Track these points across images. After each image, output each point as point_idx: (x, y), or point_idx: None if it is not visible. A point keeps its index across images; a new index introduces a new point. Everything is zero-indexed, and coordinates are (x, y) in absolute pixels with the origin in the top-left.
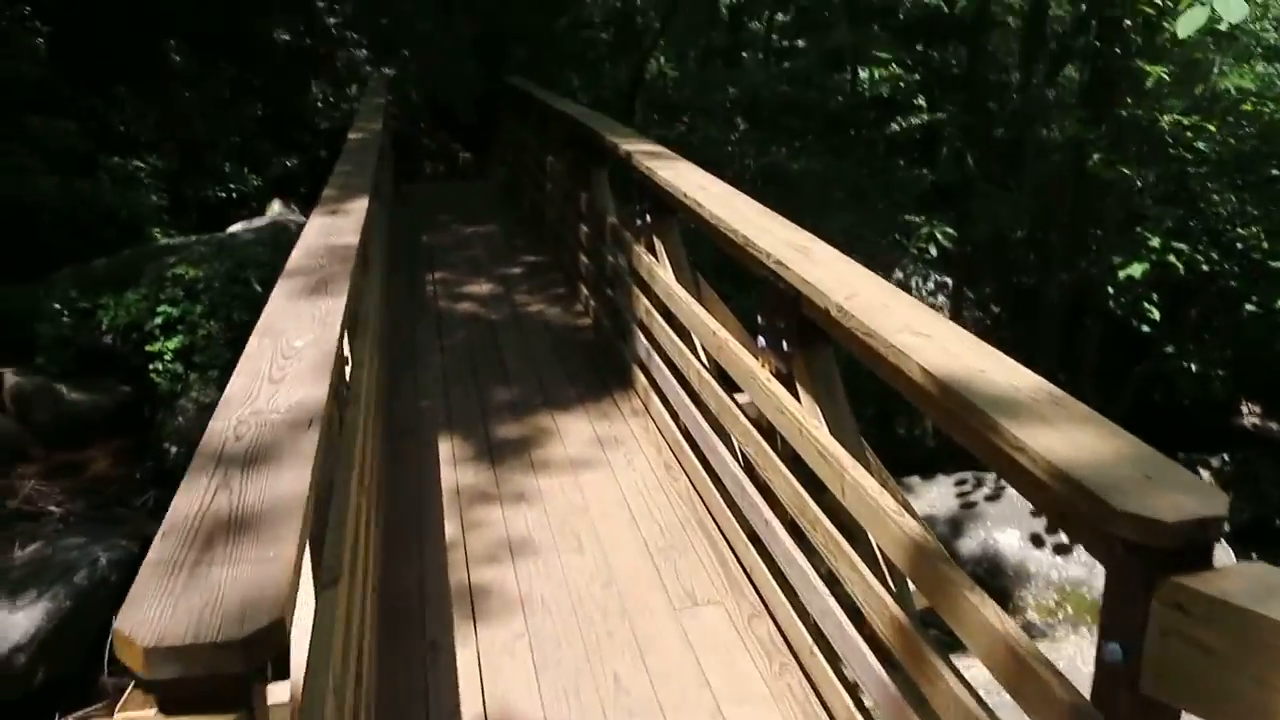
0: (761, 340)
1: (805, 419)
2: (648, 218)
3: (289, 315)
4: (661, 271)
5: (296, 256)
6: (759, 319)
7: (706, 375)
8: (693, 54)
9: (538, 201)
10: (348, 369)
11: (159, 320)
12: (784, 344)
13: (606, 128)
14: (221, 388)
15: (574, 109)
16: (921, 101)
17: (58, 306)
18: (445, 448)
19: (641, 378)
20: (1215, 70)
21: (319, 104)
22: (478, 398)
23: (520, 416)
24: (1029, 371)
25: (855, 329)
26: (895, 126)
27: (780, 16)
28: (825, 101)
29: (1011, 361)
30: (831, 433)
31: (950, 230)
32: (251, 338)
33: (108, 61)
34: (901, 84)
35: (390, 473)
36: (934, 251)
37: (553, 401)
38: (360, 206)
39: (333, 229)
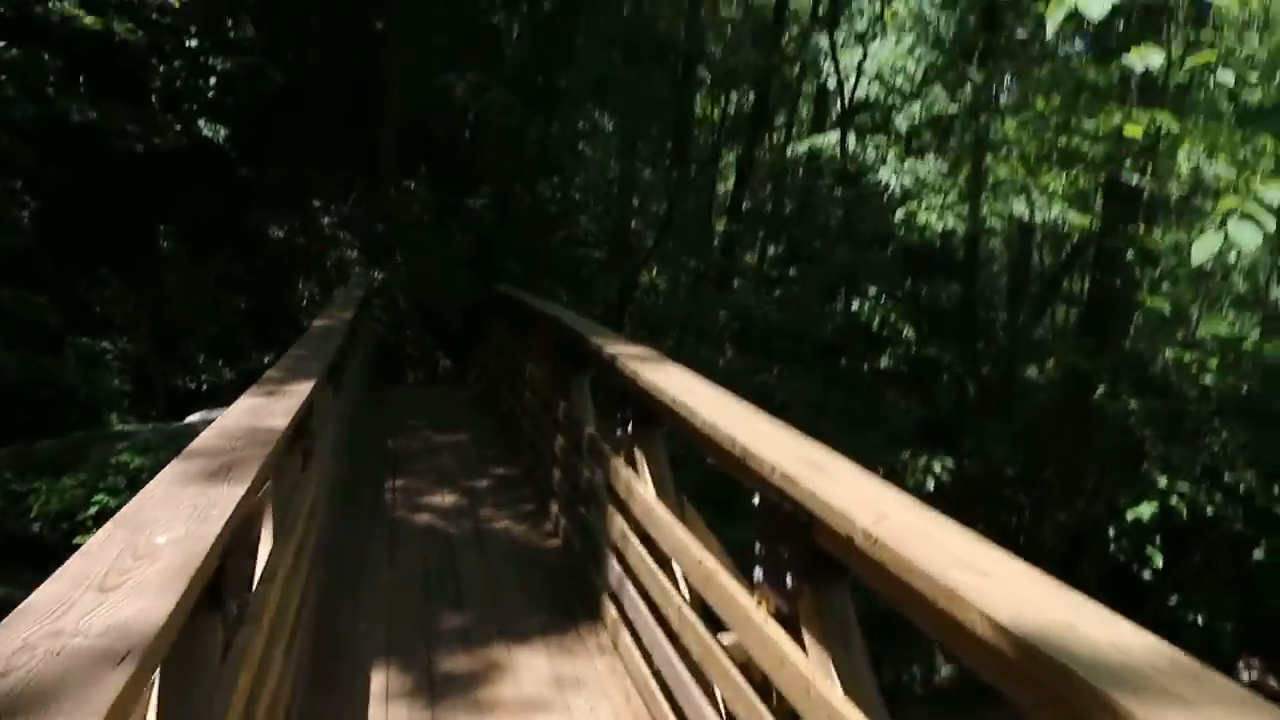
0: (759, 574)
1: (813, 674)
2: (629, 427)
3: (165, 503)
4: (641, 488)
5: (206, 437)
6: (757, 547)
7: (688, 612)
8: (683, 277)
9: (515, 411)
10: (255, 575)
11: (93, 510)
12: (789, 579)
13: (592, 331)
14: None
15: (559, 311)
16: (910, 334)
17: None
18: (379, 679)
19: (612, 609)
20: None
21: (304, 302)
22: (425, 623)
23: (471, 647)
24: (1132, 626)
25: (887, 562)
26: (885, 360)
27: (772, 250)
28: (816, 328)
29: (1106, 611)
30: (846, 692)
31: (949, 464)
32: (102, 528)
33: (95, 240)
34: (891, 316)
35: (310, 707)
36: (931, 486)
37: (509, 631)
38: (303, 390)
39: (261, 410)
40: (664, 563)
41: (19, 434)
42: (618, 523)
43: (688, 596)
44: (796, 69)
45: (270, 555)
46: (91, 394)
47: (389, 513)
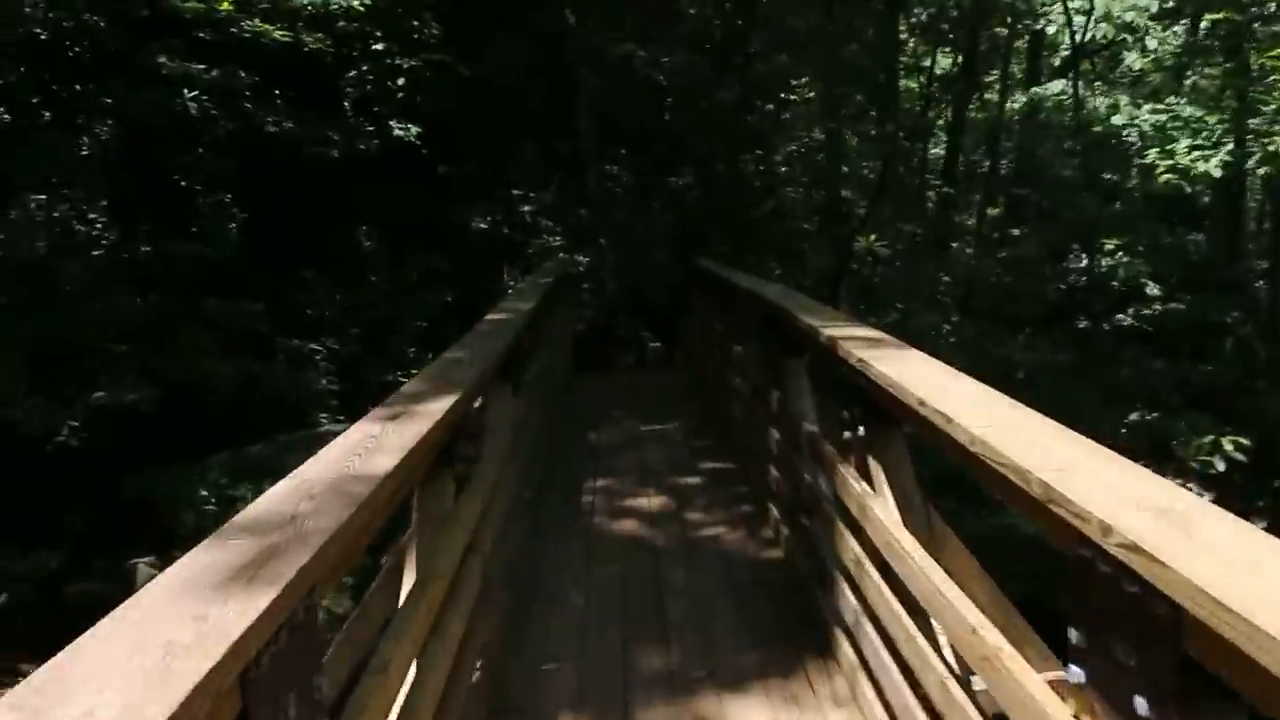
0: (1075, 671)
1: None
2: (860, 429)
3: (115, 647)
4: (879, 509)
5: (269, 499)
6: (1071, 633)
7: (956, 691)
8: (899, 244)
9: (724, 397)
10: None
11: None
12: (1142, 696)
13: (803, 308)
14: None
15: (764, 286)
16: (1156, 290)
17: (205, 493)
18: None
19: (848, 649)
20: None
21: (509, 290)
22: (622, 662)
23: (675, 696)
24: None
25: None
26: (1127, 319)
27: (991, 210)
28: (1045, 289)
29: None
30: None
31: (1244, 440)
32: None
33: (300, 246)
34: (1138, 271)
35: None
36: (1221, 466)
37: (723, 674)
38: (439, 407)
39: (365, 448)
40: (915, 607)
41: (235, 439)
42: (850, 545)
43: (952, 665)
44: (1007, 20)
45: (406, 605)
46: (300, 397)
47: (586, 521)
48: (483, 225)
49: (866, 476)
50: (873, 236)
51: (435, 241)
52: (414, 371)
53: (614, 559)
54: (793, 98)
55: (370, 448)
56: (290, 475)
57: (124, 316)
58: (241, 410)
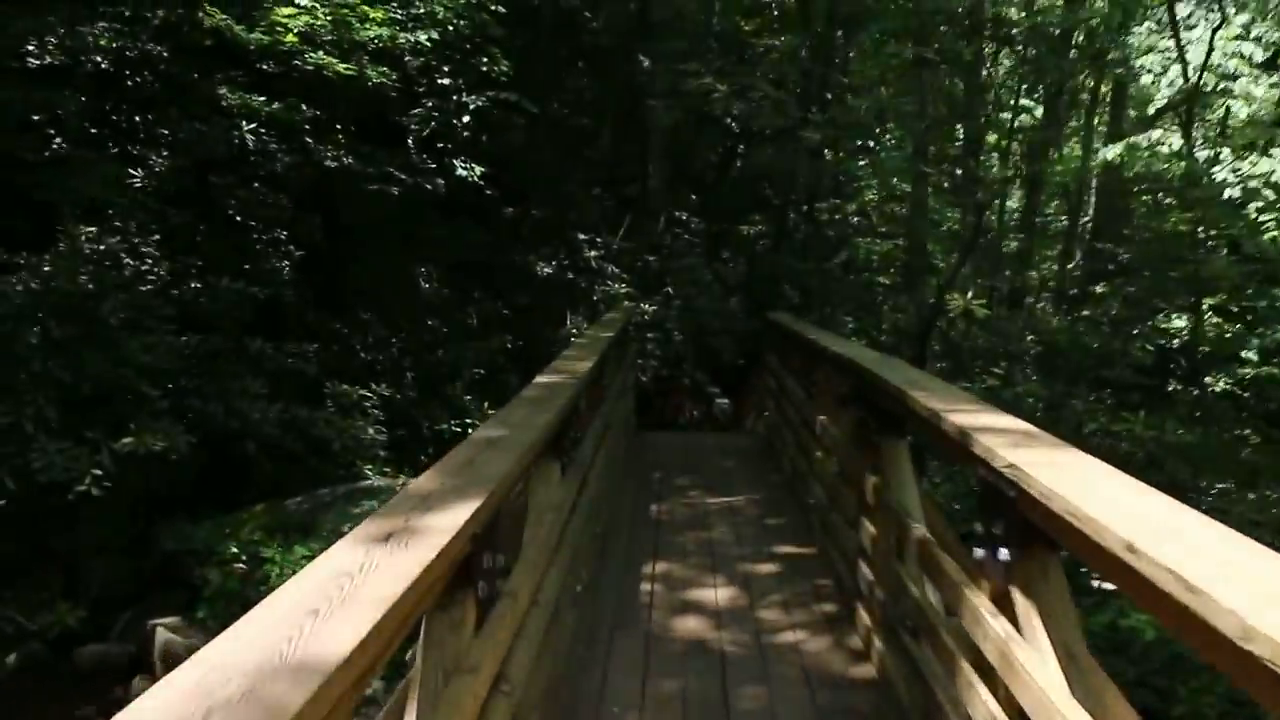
0: None
1: None
2: (1003, 552)
3: None
4: (1028, 660)
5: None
6: None
7: None
8: (986, 300)
9: (803, 470)
10: None
11: None
12: None
13: (912, 382)
14: None
15: (854, 351)
16: (1252, 354)
17: (235, 550)
18: None
19: None
20: None
21: (573, 338)
22: None
23: None
24: None
25: None
26: (1221, 383)
27: (1070, 265)
28: (1132, 350)
29: None
30: None
31: None
32: None
33: (356, 287)
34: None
35: None
36: None
37: None
38: (455, 521)
39: (330, 602)
40: None
41: (275, 489)
42: (979, 696)
43: None
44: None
45: None
46: (346, 445)
47: (643, 616)
48: (547, 270)
49: (1012, 614)
50: (969, 294)
51: (497, 285)
52: (470, 422)
53: (674, 671)
54: (874, 145)
55: (338, 597)
56: (194, 659)
57: (162, 356)
58: (284, 458)
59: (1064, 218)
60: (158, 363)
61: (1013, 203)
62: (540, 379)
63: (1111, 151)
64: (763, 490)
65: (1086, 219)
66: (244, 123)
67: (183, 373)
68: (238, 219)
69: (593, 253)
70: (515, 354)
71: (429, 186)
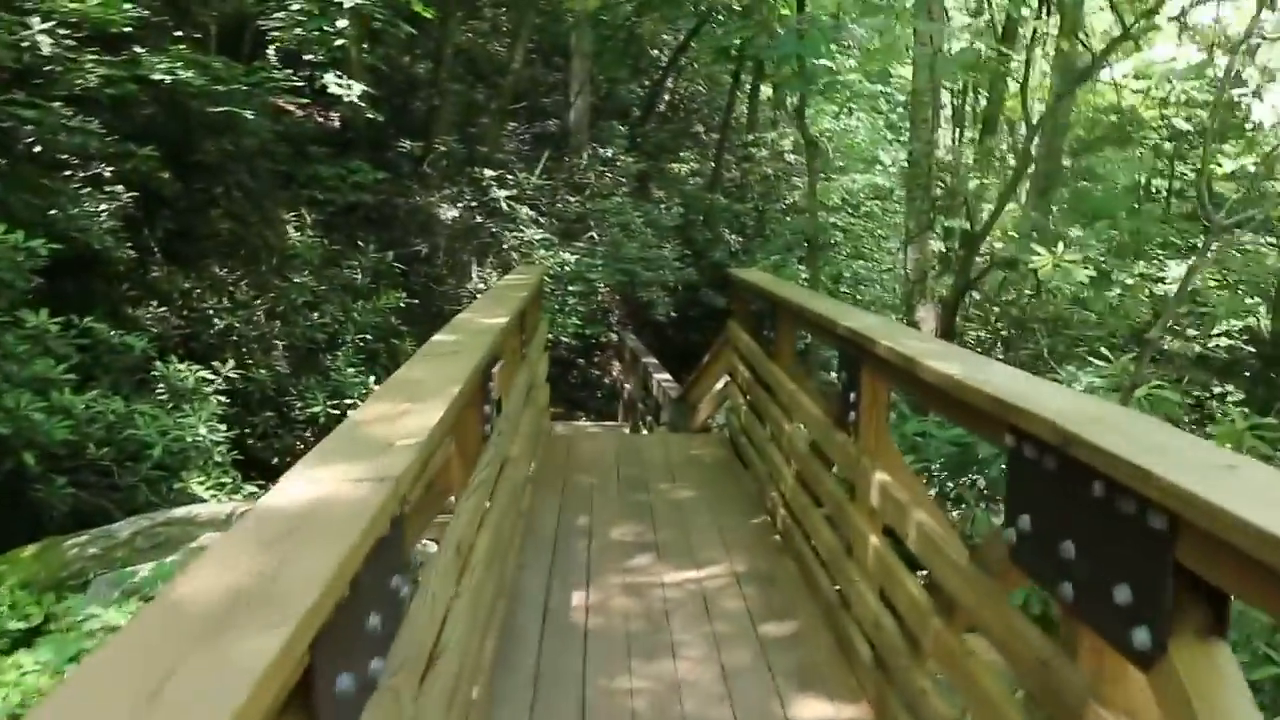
0: None
1: None
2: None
3: None
4: None
5: None
6: None
7: None
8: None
9: (784, 494)
10: None
11: None
12: None
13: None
14: None
15: (868, 322)
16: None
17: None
18: None
19: None
20: None
21: (480, 293)
22: None
23: None
24: None
25: None
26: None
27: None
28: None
29: None
30: None
31: None
32: None
33: (214, 236)
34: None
35: None
36: None
37: None
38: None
39: None
40: None
41: (77, 517)
42: None
43: None
44: None
45: None
46: (170, 450)
47: None
48: (452, 213)
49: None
50: (1059, 247)
51: (393, 233)
52: (350, 403)
53: None
54: (833, 67)
55: None
56: None
57: None
58: (90, 471)
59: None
60: None
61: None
62: (403, 373)
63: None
64: (731, 519)
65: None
66: (37, 20)
67: None
68: (36, 150)
69: (504, 193)
70: (409, 313)
71: (321, 119)
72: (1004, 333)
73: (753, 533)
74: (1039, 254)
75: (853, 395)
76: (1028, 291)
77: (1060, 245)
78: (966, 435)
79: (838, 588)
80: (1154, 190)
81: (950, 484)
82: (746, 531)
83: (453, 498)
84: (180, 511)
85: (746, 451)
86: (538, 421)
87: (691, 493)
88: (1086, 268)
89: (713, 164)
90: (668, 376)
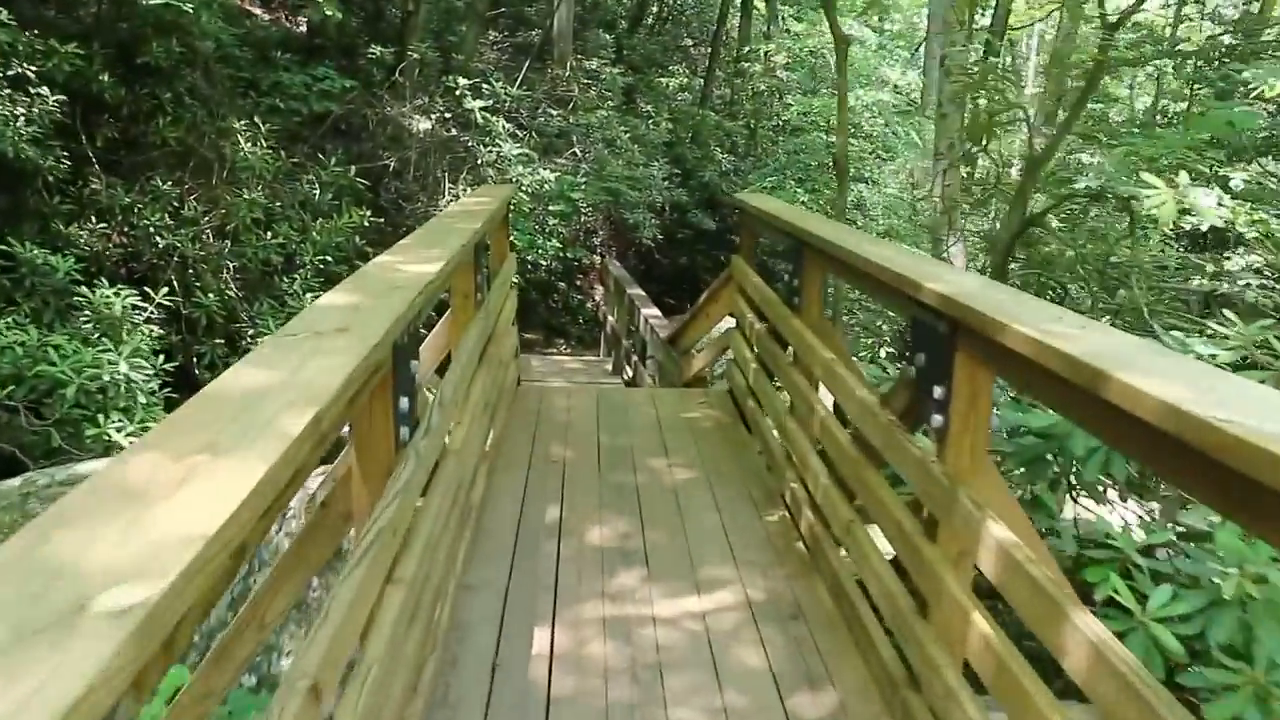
0: None
1: None
2: None
3: None
4: None
5: None
6: None
7: None
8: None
9: (812, 493)
10: None
11: None
12: None
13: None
14: None
15: (967, 285)
16: None
17: None
18: None
19: None
20: None
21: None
22: None
23: None
24: None
25: None
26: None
27: None
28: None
29: None
30: None
31: None
32: None
33: (161, 145)
34: None
35: None
36: None
37: None
38: None
39: None
40: None
41: None
42: None
43: None
44: None
45: None
46: (86, 390)
47: None
48: (425, 124)
49: None
50: (1182, 182)
51: (356, 146)
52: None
53: None
54: None
55: None
56: None
57: None
58: None
59: None
60: None
61: None
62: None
63: None
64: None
65: None
66: None
67: None
68: None
69: (479, 103)
70: (376, 232)
71: (288, 24)
72: (1050, 282)
73: (768, 536)
74: (1155, 187)
75: (939, 391)
76: (1117, 231)
77: (1183, 176)
78: (1055, 422)
79: (901, 655)
80: (1168, 115)
81: (1030, 486)
82: (759, 533)
83: (352, 532)
84: (85, 467)
85: (754, 416)
86: (499, 382)
87: (688, 473)
88: (1222, 205)
89: (702, 79)
90: (656, 313)
